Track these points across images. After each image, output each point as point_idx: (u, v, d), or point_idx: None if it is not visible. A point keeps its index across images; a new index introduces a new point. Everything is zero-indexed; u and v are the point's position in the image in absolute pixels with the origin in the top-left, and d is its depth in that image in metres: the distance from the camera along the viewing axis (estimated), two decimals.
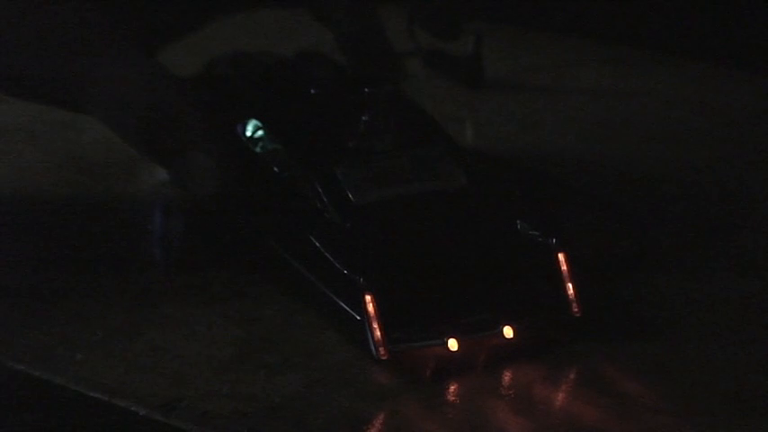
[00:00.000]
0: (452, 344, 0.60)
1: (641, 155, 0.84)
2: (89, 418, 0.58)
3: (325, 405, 0.57)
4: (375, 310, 0.59)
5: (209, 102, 0.73)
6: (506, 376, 0.60)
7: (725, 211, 0.76)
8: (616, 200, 0.76)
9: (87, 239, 0.71)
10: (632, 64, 1.01)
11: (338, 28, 0.75)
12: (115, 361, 0.60)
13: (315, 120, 0.69)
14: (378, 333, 0.59)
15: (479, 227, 0.64)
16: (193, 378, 0.59)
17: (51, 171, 0.79)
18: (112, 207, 0.75)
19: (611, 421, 0.57)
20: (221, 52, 0.78)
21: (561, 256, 0.62)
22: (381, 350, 0.59)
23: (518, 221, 0.64)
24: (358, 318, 0.60)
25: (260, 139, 0.70)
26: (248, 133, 0.70)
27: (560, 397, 0.59)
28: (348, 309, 0.60)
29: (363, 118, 0.67)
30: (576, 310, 0.62)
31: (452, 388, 0.59)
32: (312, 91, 0.72)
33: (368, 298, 0.59)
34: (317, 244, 0.63)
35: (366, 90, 0.67)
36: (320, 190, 0.65)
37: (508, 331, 0.61)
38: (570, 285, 0.62)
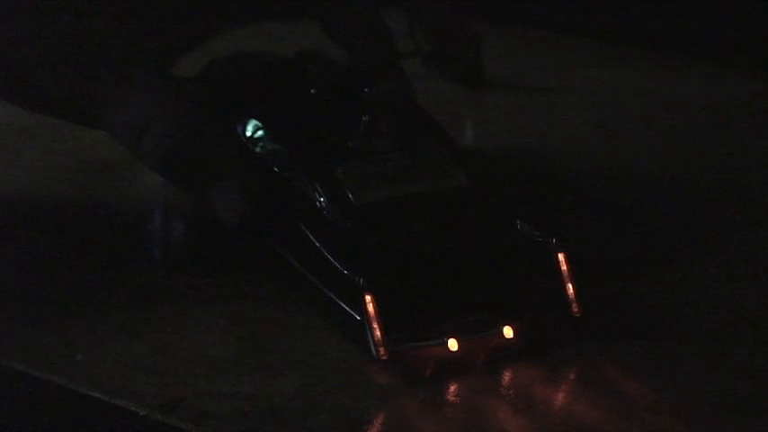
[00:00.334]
0: (452, 344, 0.60)
1: (641, 155, 0.84)
2: (89, 418, 0.58)
3: (325, 405, 0.57)
4: (375, 310, 0.59)
5: (210, 102, 0.72)
6: (506, 376, 0.60)
7: (725, 210, 0.76)
8: (616, 200, 0.76)
9: (87, 239, 0.71)
10: (632, 64, 1.01)
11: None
12: (115, 361, 0.60)
13: (315, 120, 0.69)
14: (378, 333, 0.59)
15: (479, 227, 0.64)
16: (193, 378, 0.59)
17: (52, 171, 0.79)
18: (113, 207, 0.75)
19: (611, 421, 0.57)
20: (221, 52, 0.78)
21: (561, 256, 0.62)
22: (381, 350, 0.59)
23: (518, 221, 0.64)
24: (358, 318, 0.60)
25: (260, 139, 0.70)
26: (248, 133, 0.70)
27: (560, 397, 0.59)
28: (348, 309, 0.60)
29: (363, 118, 0.67)
30: (575, 310, 0.62)
31: (452, 388, 0.59)
32: (312, 91, 0.72)
33: (368, 298, 0.59)
34: (317, 244, 0.63)
35: (366, 90, 0.67)
36: (320, 190, 0.65)
37: (508, 331, 0.61)
38: (570, 285, 0.62)
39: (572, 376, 0.60)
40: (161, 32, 0.70)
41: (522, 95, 0.94)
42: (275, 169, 0.68)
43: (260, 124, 0.70)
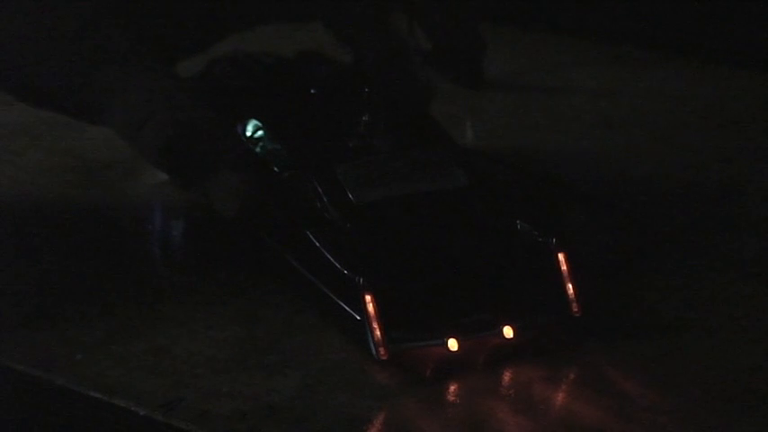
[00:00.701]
0: (452, 344, 0.60)
1: (641, 155, 0.84)
2: (89, 418, 0.58)
3: (325, 405, 0.57)
4: (375, 310, 0.59)
5: (210, 102, 0.72)
6: (506, 376, 0.60)
7: (725, 210, 0.76)
8: (616, 200, 0.76)
9: (88, 239, 0.71)
10: (632, 64, 1.01)
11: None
12: (115, 361, 0.60)
13: (315, 120, 0.69)
14: (378, 333, 0.59)
15: (479, 227, 0.64)
16: (193, 378, 0.59)
17: (52, 171, 0.79)
18: (113, 207, 0.75)
19: (611, 421, 0.57)
20: (221, 52, 0.78)
21: (561, 256, 0.62)
22: (381, 350, 0.59)
23: (518, 221, 0.64)
24: (358, 318, 0.60)
25: (260, 139, 0.70)
26: (248, 133, 0.70)
27: (560, 397, 0.59)
28: (348, 309, 0.60)
29: (363, 118, 0.67)
30: (575, 309, 0.62)
31: (452, 388, 0.59)
32: (312, 91, 0.72)
33: (368, 298, 0.59)
34: (317, 244, 0.63)
35: (366, 90, 0.67)
36: (320, 190, 0.65)
37: (508, 331, 0.61)
38: (570, 285, 0.62)
39: (572, 376, 0.60)
40: (167, 30, 0.70)
41: (522, 95, 0.94)
42: (275, 169, 0.68)
43: (260, 124, 0.70)
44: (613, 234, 0.72)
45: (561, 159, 0.83)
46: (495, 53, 0.96)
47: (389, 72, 0.73)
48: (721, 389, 0.59)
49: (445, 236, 0.63)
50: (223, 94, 0.74)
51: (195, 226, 0.73)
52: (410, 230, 0.63)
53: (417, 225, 0.63)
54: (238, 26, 0.75)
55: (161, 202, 0.75)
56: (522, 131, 0.87)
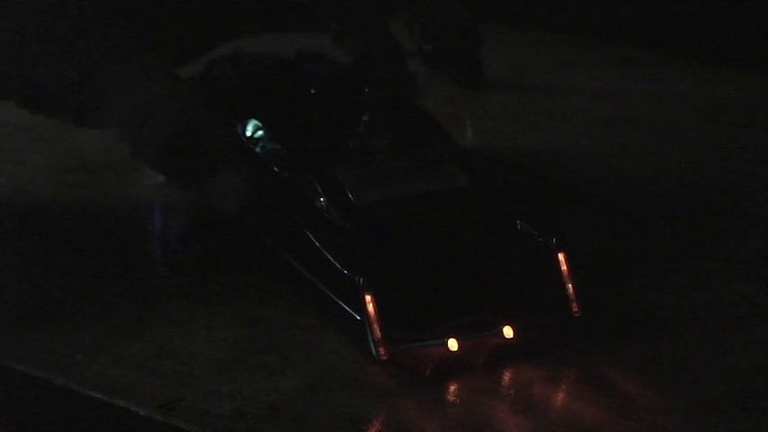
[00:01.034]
0: (452, 344, 0.60)
1: (641, 155, 0.84)
2: (89, 418, 0.58)
3: (326, 405, 0.57)
4: (375, 310, 0.59)
5: (210, 102, 0.73)
6: (506, 376, 0.60)
7: (726, 210, 0.76)
8: (616, 199, 0.76)
9: (88, 239, 0.71)
10: (632, 64, 1.01)
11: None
12: (115, 361, 0.60)
13: (315, 120, 0.69)
14: (378, 333, 0.59)
15: (480, 227, 0.64)
16: (193, 378, 0.59)
17: (53, 171, 0.79)
18: (113, 207, 0.75)
19: (611, 421, 0.57)
20: (221, 52, 0.78)
21: (561, 256, 0.62)
22: (381, 350, 0.59)
23: (518, 221, 0.64)
24: (358, 318, 0.60)
25: (260, 139, 0.70)
26: (248, 133, 0.70)
27: (560, 397, 0.59)
28: (348, 309, 0.60)
29: (363, 118, 0.67)
30: (575, 309, 0.62)
31: (452, 388, 0.59)
32: (312, 91, 0.72)
33: (368, 298, 0.59)
34: (317, 244, 0.63)
35: (366, 90, 0.68)
36: (320, 190, 0.65)
37: (508, 331, 0.61)
38: (570, 285, 0.62)
39: (572, 376, 0.60)
40: (169, 35, 0.70)
41: (522, 95, 0.94)
42: (275, 169, 0.68)
43: (260, 124, 0.70)
44: (613, 234, 0.72)
45: (561, 159, 0.83)
46: (495, 53, 0.96)
47: (383, 69, 0.74)
48: (721, 389, 0.59)
49: (445, 236, 0.63)
50: (223, 94, 0.74)
51: (195, 226, 0.73)
52: (410, 230, 0.63)
53: (417, 225, 0.63)
54: (238, 34, 0.76)
55: (161, 202, 0.75)
56: (523, 131, 0.87)
